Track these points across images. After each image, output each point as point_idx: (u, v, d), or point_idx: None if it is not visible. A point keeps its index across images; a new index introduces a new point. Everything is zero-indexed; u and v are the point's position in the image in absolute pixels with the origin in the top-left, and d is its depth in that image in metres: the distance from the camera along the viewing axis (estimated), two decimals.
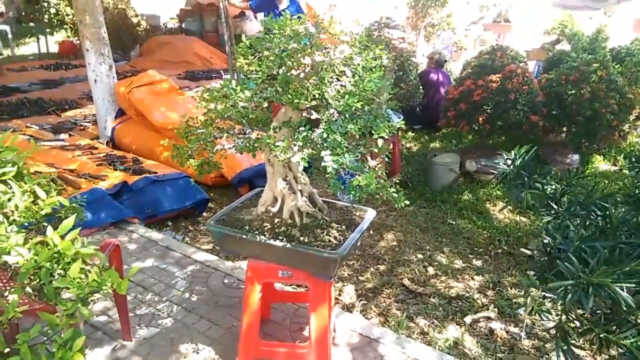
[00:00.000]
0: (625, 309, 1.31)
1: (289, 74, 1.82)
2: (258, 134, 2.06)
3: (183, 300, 2.79)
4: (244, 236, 2.05)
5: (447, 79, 6.24)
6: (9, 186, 1.04)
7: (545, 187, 1.77)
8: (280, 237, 2.02)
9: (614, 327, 1.40)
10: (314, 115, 1.84)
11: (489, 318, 2.80)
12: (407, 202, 1.93)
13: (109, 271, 1.14)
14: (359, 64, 1.88)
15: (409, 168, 4.91)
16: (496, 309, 2.87)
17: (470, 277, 3.20)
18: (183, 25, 12.51)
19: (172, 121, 4.42)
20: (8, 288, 1.00)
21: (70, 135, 5.00)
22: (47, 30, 11.67)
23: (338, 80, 1.87)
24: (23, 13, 13.03)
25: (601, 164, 5.20)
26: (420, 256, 3.42)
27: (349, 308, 2.86)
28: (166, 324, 2.61)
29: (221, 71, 8.98)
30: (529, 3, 10.71)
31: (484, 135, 4.77)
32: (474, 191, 4.45)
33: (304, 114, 1.96)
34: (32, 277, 1.06)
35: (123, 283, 1.13)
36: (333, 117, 1.85)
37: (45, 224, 1.10)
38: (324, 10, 12.00)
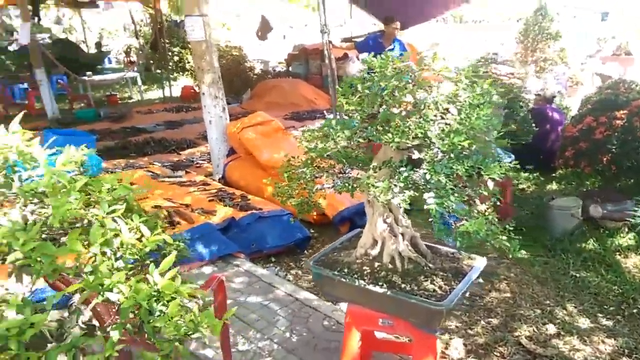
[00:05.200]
0: None
1: (389, 112, 1.76)
2: (358, 174, 2.02)
3: (284, 340, 2.77)
4: (342, 279, 1.98)
5: (561, 115, 5.78)
6: (117, 223, 1.09)
7: None
8: (381, 283, 1.92)
9: None
10: (416, 155, 1.76)
11: None
12: (523, 252, 1.74)
13: (205, 312, 1.13)
14: (465, 101, 1.77)
15: (523, 212, 4.53)
16: None
17: (599, 340, 2.79)
18: (290, 69, 13.16)
19: (277, 160, 4.57)
20: (112, 324, 1.04)
21: (186, 172, 5.38)
22: (171, 76, 12.94)
23: (442, 118, 1.78)
24: (151, 61, 14.63)
25: None
26: (538, 311, 3.08)
27: None
28: None
29: (324, 111, 9.23)
30: None
31: (609, 178, 4.30)
32: (599, 240, 3.96)
33: (406, 153, 1.88)
34: (134, 313, 1.08)
35: (218, 325, 1.12)
36: (437, 156, 1.75)
37: (148, 261, 1.14)
38: (427, 48, 11.93)
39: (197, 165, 6.05)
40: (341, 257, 2.16)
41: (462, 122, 1.73)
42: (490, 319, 3.01)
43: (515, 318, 3.01)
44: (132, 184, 4.32)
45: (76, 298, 1.18)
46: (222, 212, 3.95)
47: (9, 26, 18.32)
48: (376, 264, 2.04)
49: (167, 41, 12.68)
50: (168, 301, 1.11)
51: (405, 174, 1.75)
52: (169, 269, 1.13)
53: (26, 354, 0.87)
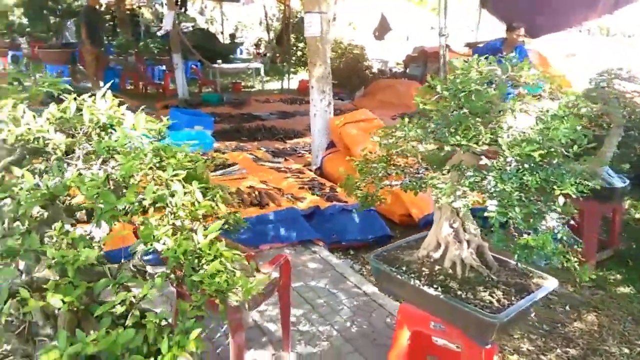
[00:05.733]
0: None
1: (463, 114, 1.73)
2: (429, 175, 2.01)
3: (343, 329, 2.84)
4: (398, 276, 1.99)
5: None
6: (176, 185, 1.23)
7: None
8: (436, 286, 1.90)
9: None
10: (483, 161, 1.71)
11: None
12: (593, 276, 1.61)
13: (240, 276, 1.24)
14: (547, 111, 1.68)
15: (632, 242, 4.07)
16: None
17: None
18: (407, 71, 13.04)
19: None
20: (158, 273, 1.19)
21: (285, 159, 5.65)
22: (292, 69, 13.53)
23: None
24: (277, 54, 15.42)
25: None
26: (626, 351, 2.78)
27: None
28: (323, 346, 2.68)
29: None
30: None
31: None
32: None
33: (479, 159, 1.83)
34: (180, 266, 1.22)
35: (249, 289, 1.21)
36: (509, 165, 1.68)
37: (198, 222, 1.27)
38: (560, 59, 11.05)
39: (299, 154, 6.31)
40: (403, 255, 2.16)
41: (541, 132, 1.65)
42: (568, 349, 2.78)
43: (597, 353, 2.75)
44: (234, 163, 4.64)
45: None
46: (309, 200, 4.10)
47: (161, 14, 20.45)
48: (436, 267, 2.02)
49: (293, 36, 13.28)
50: (210, 261, 1.23)
51: (472, 179, 1.71)
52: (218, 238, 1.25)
53: (79, 281, 1.04)
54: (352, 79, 11.81)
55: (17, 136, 1.13)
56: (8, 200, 1.17)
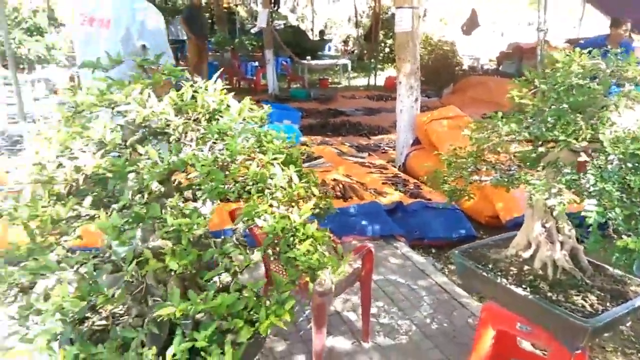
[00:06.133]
0: None
1: (560, 108, 1.67)
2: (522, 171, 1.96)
3: (423, 325, 2.84)
4: (484, 274, 1.97)
5: None
6: (275, 168, 1.33)
7: None
8: (524, 286, 1.85)
9: None
10: (582, 157, 1.64)
11: None
12: None
13: (330, 257, 1.31)
14: None
15: None
16: None
17: None
18: (500, 68, 12.50)
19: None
20: (256, 248, 1.29)
21: (369, 154, 5.69)
22: (379, 66, 13.50)
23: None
24: (364, 51, 15.45)
25: None
26: None
27: None
28: (401, 340, 2.71)
29: None
30: None
31: None
32: None
33: (578, 156, 1.76)
34: (277, 244, 1.32)
35: (338, 268, 1.29)
36: (610, 163, 1.61)
37: (294, 204, 1.36)
38: None
39: (383, 151, 6.31)
40: (489, 253, 2.13)
41: None
42: None
43: None
44: (320, 156, 4.76)
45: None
46: (392, 196, 4.11)
47: (255, 12, 21.28)
48: (525, 267, 1.96)
49: (382, 32, 13.23)
50: (303, 240, 1.31)
51: (569, 177, 1.66)
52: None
53: (191, 249, 1.17)
54: (440, 75, 11.55)
55: (144, 117, 1.28)
56: (132, 175, 1.34)
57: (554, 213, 1.93)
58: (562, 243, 1.93)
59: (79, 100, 1.29)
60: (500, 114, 1.88)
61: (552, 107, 1.70)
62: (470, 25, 13.20)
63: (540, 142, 1.85)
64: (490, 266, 2.00)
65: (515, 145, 1.95)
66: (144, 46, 2.73)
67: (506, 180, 1.92)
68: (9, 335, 1.28)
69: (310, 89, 11.32)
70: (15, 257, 1.36)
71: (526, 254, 2.00)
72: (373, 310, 2.88)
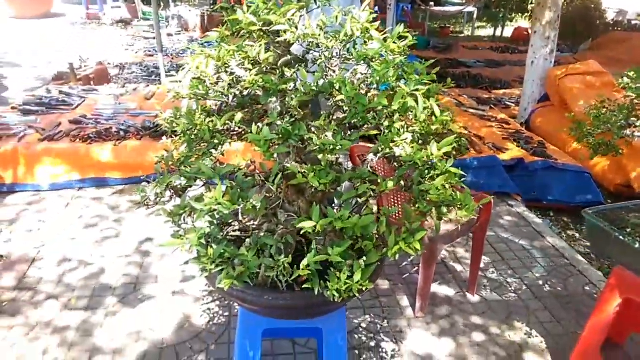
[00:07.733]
0: None
1: None
2: None
3: (534, 285, 2.74)
4: (620, 237, 1.83)
5: None
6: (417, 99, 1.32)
7: None
8: None
9: None
10: None
11: None
12: None
13: (464, 194, 1.29)
14: None
15: None
16: None
17: None
18: None
19: None
20: (389, 177, 1.31)
21: (491, 107, 5.37)
22: (509, 16, 12.45)
23: None
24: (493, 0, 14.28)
25: None
26: None
27: None
28: (510, 297, 2.64)
29: None
30: None
31: None
32: None
33: None
34: (408, 178, 1.33)
35: (472, 206, 1.27)
36: None
37: (433, 137, 1.34)
38: None
39: (504, 106, 5.93)
40: (629, 217, 1.96)
41: None
42: None
43: None
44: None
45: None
46: (512, 152, 3.89)
47: None
48: None
49: None
50: (438, 175, 1.30)
51: None
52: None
53: (329, 171, 1.23)
54: (577, 29, 10.38)
55: (298, 37, 1.32)
56: (277, 96, 1.41)
57: None
58: None
59: (240, 18, 1.35)
60: None
61: None
62: None
63: None
64: (628, 230, 1.85)
65: None
66: None
67: None
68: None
69: (429, 37, 10.82)
70: (170, 164, 1.52)
71: None
72: (481, 264, 2.83)
